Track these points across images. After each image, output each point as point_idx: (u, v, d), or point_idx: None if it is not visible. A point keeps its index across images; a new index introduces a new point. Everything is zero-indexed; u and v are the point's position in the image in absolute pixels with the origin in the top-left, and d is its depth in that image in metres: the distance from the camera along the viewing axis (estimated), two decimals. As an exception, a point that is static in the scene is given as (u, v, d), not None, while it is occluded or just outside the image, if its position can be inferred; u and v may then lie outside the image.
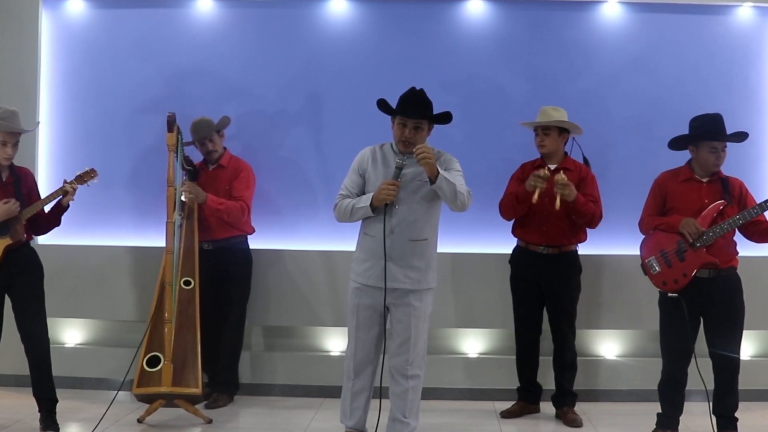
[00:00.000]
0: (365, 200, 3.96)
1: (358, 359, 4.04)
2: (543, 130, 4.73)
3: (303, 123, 5.49)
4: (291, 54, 5.50)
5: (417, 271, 3.98)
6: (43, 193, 4.50)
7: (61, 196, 4.34)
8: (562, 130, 4.76)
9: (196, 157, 5.16)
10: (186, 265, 4.80)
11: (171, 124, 4.60)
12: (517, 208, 4.68)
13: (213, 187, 5.03)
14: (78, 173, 4.45)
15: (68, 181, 4.38)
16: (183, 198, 4.82)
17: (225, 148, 5.18)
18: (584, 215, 4.60)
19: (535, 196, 4.42)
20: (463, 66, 5.45)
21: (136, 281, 5.37)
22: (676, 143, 4.39)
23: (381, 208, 3.94)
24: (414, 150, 3.88)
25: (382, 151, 4.10)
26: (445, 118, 4.04)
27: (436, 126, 4.11)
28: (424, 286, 4.01)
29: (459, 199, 3.91)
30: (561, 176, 4.49)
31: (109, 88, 5.53)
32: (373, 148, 4.13)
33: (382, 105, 4.05)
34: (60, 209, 4.39)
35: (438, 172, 3.85)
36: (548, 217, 4.66)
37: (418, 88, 4.02)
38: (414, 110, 3.97)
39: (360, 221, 4.09)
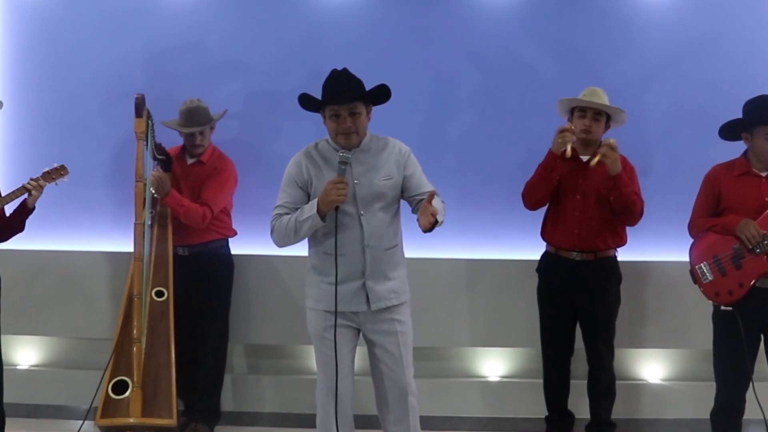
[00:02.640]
0: (309, 209, 3.81)
1: (337, 385, 3.92)
2: (595, 113, 4.67)
3: (301, 112, 5.45)
4: (287, 26, 5.49)
5: (396, 281, 3.95)
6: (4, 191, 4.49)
7: (25, 196, 4.32)
8: (606, 116, 4.73)
9: (168, 142, 5.12)
10: (158, 274, 4.80)
11: (140, 108, 4.60)
12: (540, 184, 4.61)
13: (187, 185, 5.05)
14: (46, 170, 4.44)
15: (33, 178, 4.36)
16: (154, 191, 4.83)
17: (209, 141, 5.19)
18: (625, 199, 4.54)
19: (568, 150, 4.41)
20: (486, 40, 5.43)
21: (102, 292, 5.37)
22: (728, 131, 4.35)
23: (332, 215, 3.81)
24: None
25: (318, 150, 3.99)
26: (382, 92, 3.92)
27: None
28: (405, 297, 4.00)
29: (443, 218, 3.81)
30: (611, 139, 4.45)
31: (74, 68, 5.53)
32: (306, 150, 4.01)
33: (305, 100, 3.95)
34: (24, 212, 4.37)
35: None
36: (581, 216, 4.62)
37: (340, 69, 3.93)
38: (343, 93, 3.84)
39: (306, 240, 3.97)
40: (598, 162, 4.43)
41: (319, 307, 3.92)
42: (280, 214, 3.90)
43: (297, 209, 3.88)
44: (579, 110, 4.69)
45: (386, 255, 3.89)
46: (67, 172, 4.53)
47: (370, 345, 3.99)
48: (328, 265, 3.87)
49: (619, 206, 4.57)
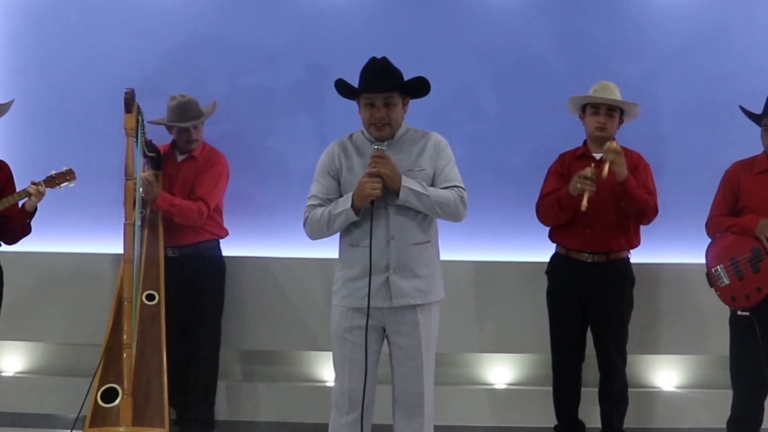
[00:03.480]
0: (344, 202, 3.88)
1: (353, 390, 3.97)
2: (608, 109, 4.66)
3: (298, 104, 5.50)
4: (285, 15, 5.49)
5: (424, 280, 3.95)
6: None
7: (25, 199, 4.37)
8: (621, 112, 4.73)
9: (158, 139, 5.13)
10: (149, 276, 4.80)
11: (129, 103, 4.59)
12: (559, 215, 4.65)
13: (179, 183, 5.05)
14: (53, 173, 4.47)
15: (35, 181, 4.41)
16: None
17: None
18: (636, 202, 4.53)
19: (584, 202, 4.33)
20: (494, 34, 5.43)
21: (91, 296, 5.36)
22: (750, 117, 4.35)
23: (367, 209, 3.86)
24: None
25: (353, 141, 4.06)
26: (420, 85, 3.96)
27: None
28: (432, 297, 3.99)
29: (444, 211, 3.88)
30: (613, 143, 4.40)
31: (60, 61, 5.54)
32: (341, 141, 4.08)
33: (341, 87, 3.98)
34: (22, 214, 4.42)
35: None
36: (593, 217, 4.61)
37: (379, 57, 3.97)
38: (379, 82, 3.89)
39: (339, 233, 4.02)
40: (609, 171, 4.37)
41: (343, 303, 3.96)
42: (314, 205, 3.97)
43: (330, 200, 3.95)
44: (591, 107, 4.67)
45: (414, 250, 3.91)
46: (74, 177, 4.55)
47: (391, 345, 3.99)
48: (353, 258, 3.93)
49: (632, 210, 4.58)
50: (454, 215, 3.92)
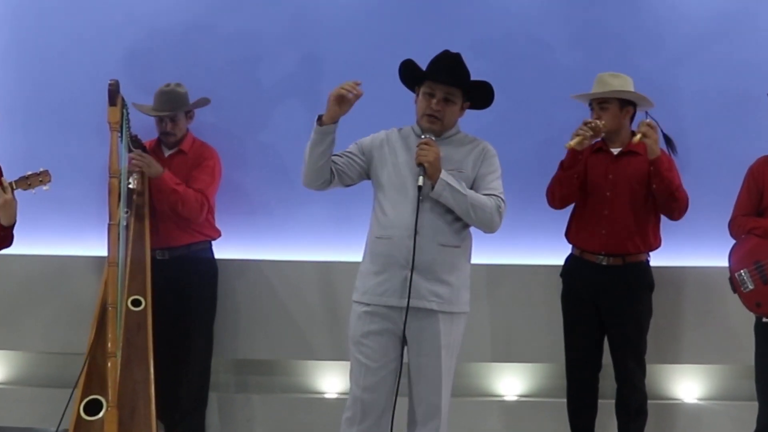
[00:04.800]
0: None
1: (366, 398, 3.98)
2: (599, 103, 4.68)
3: (293, 97, 5.50)
4: (279, 2, 5.50)
5: (448, 287, 3.95)
6: None
7: None
8: (625, 103, 4.71)
9: (145, 135, 5.13)
10: (135, 280, 4.80)
11: (113, 95, 4.57)
12: (563, 180, 4.67)
13: (169, 179, 5.05)
14: (27, 173, 4.45)
15: (7, 182, 4.39)
16: (130, 183, 4.85)
17: (188, 130, 5.21)
18: (669, 183, 4.54)
19: (572, 142, 4.41)
20: (499, 21, 5.44)
21: (72, 301, 5.36)
22: None
23: (398, 200, 3.90)
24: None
25: (401, 134, 4.12)
26: (485, 91, 4.03)
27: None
28: (455, 308, 3.98)
29: (477, 216, 3.91)
30: (649, 120, 4.48)
31: (37, 47, 5.54)
32: (392, 130, 4.15)
33: (408, 68, 4.04)
34: None
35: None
36: (609, 215, 4.63)
37: (453, 52, 4.02)
38: (446, 73, 3.96)
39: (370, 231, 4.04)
40: (640, 140, 4.41)
41: (362, 299, 3.98)
42: None
43: (341, 156, 4.02)
44: (595, 102, 4.71)
45: (440, 252, 3.92)
46: (49, 179, 4.52)
47: (410, 354, 3.99)
48: (375, 250, 3.97)
49: (663, 194, 4.56)
50: (487, 224, 3.95)
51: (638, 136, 4.40)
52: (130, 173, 4.90)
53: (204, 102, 5.19)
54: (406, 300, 3.85)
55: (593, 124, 4.45)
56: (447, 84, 3.96)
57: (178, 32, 5.50)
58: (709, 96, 5.40)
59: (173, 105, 5.05)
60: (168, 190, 4.92)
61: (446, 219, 3.93)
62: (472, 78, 4.01)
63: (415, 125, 4.09)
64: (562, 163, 4.64)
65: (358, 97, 3.85)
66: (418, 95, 4.06)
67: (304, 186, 4.04)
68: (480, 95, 4.05)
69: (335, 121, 3.88)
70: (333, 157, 3.98)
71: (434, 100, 3.96)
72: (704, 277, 5.17)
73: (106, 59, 5.43)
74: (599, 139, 4.59)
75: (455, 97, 3.99)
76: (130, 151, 4.89)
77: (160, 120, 5.07)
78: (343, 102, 3.85)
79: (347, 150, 4.07)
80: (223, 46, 5.50)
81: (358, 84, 3.86)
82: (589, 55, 5.37)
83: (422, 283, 3.89)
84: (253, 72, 5.50)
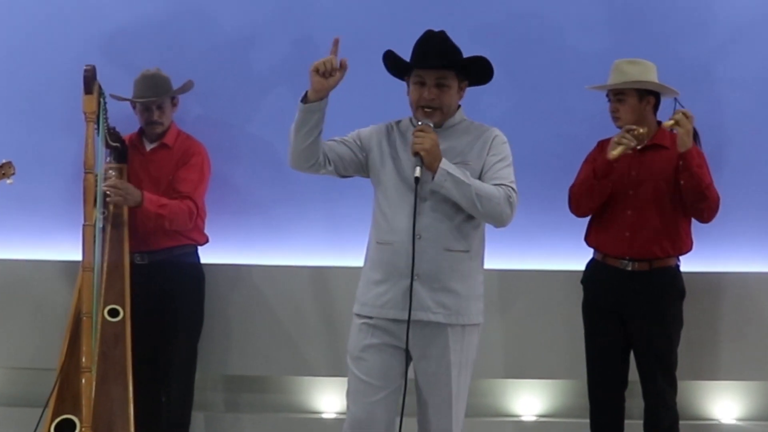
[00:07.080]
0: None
1: (364, 420, 3.97)
2: (615, 94, 4.72)
3: (285, 85, 5.52)
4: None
5: (455, 296, 3.92)
6: None
7: None
8: (645, 93, 4.73)
9: (124, 128, 5.14)
10: (112, 288, 4.81)
11: (89, 82, 4.60)
12: (594, 190, 4.66)
13: (151, 176, 5.07)
14: None
15: None
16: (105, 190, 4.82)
17: (172, 121, 5.21)
18: (699, 179, 4.54)
19: (615, 152, 4.40)
20: (506, 3, 5.46)
21: (42, 311, 5.38)
22: None
23: (400, 205, 3.88)
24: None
25: (400, 128, 4.09)
26: (481, 66, 3.98)
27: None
28: (465, 320, 3.96)
29: (485, 208, 3.84)
30: (686, 110, 4.48)
31: (4, 27, 5.56)
32: (389, 124, 4.12)
33: (390, 59, 4.02)
34: None
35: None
36: (633, 215, 4.66)
37: (437, 30, 3.99)
38: (433, 57, 3.91)
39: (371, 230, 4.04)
40: (671, 126, 4.44)
41: (362, 312, 3.97)
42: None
43: (335, 142, 3.99)
44: (611, 93, 4.74)
45: (447, 258, 3.89)
46: (13, 171, 4.55)
47: (417, 371, 3.98)
48: (376, 257, 3.96)
49: (691, 192, 4.57)
50: (496, 216, 3.87)
51: (671, 122, 4.42)
52: (106, 171, 4.88)
53: (189, 86, 5.19)
54: (404, 311, 3.82)
55: (636, 132, 4.41)
56: (437, 68, 3.91)
57: (161, 13, 5.52)
58: (753, 86, 5.40)
59: (159, 90, 5.04)
60: (152, 216, 4.90)
61: (452, 220, 3.90)
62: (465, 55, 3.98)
63: (413, 118, 4.03)
64: (594, 171, 4.61)
65: (342, 69, 3.77)
66: (408, 85, 4.02)
67: (291, 167, 3.99)
68: (476, 71, 4.00)
69: (321, 98, 3.80)
70: (329, 142, 3.97)
71: (426, 89, 3.91)
72: (743, 284, 5.19)
73: (82, 42, 5.44)
74: (641, 146, 4.59)
75: (448, 80, 3.92)
76: (107, 145, 4.90)
77: (146, 108, 5.05)
78: (325, 74, 3.76)
79: (346, 138, 4.05)
80: (209, 28, 5.52)
81: (332, 60, 3.77)
82: (609, 40, 5.38)
83: (426, 293, 3.86)
84: (243, 57, 5.52)
